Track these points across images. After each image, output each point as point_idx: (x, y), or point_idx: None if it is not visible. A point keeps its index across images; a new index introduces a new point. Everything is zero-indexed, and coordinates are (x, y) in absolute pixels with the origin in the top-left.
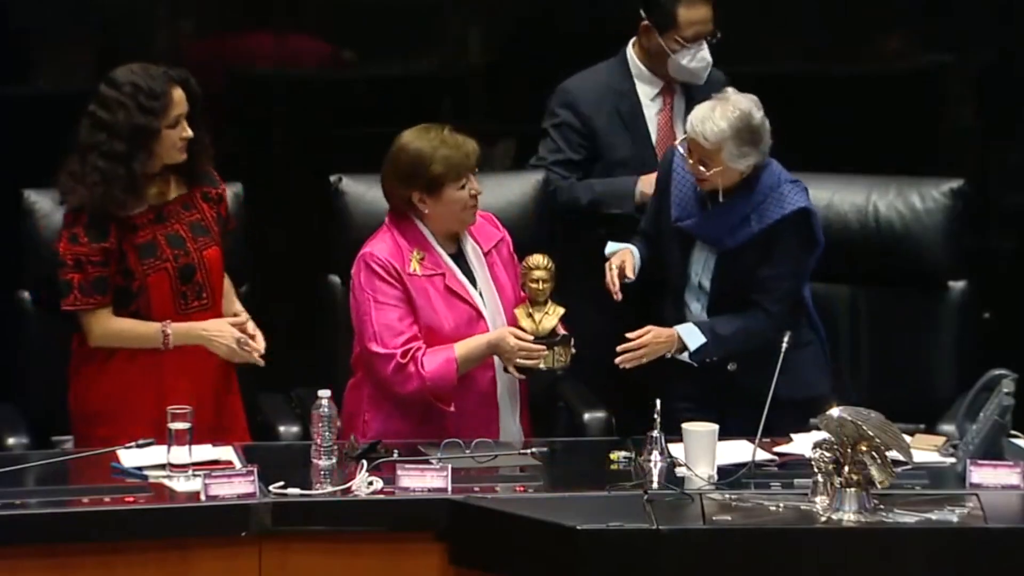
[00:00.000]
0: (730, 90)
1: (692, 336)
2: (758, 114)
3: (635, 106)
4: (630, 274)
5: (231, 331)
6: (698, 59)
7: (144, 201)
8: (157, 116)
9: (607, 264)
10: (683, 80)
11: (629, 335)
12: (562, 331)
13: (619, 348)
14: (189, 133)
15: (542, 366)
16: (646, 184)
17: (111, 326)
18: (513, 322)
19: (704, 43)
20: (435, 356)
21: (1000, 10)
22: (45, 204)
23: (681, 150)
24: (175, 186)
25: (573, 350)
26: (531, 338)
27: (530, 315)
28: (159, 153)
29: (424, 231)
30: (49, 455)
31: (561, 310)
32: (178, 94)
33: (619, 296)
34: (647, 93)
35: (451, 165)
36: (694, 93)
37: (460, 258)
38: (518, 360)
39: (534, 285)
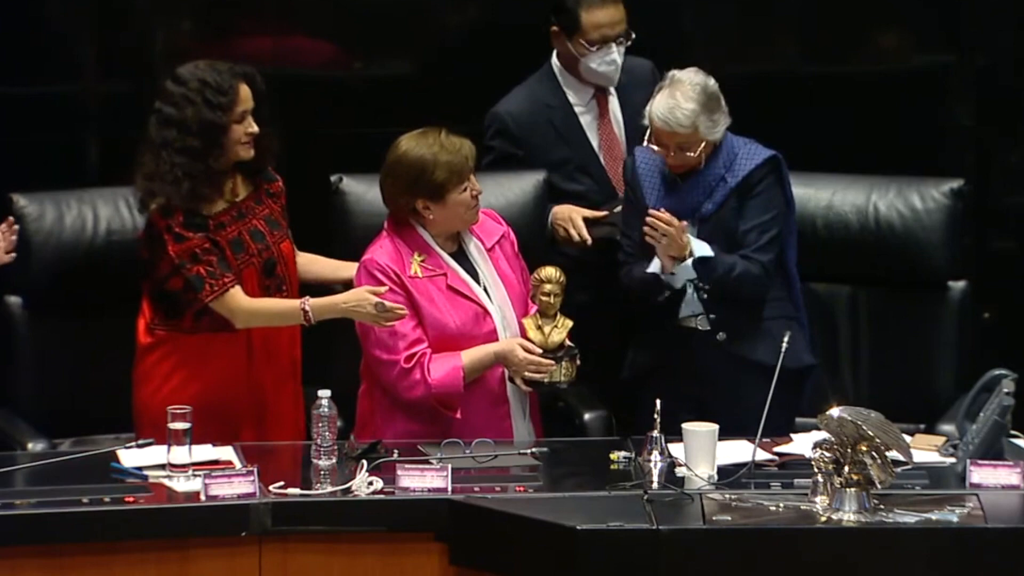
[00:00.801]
0: (673, 72)
1: (700, 247)
2: (710, 80)
3: (568, 116)
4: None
5: (369, 298)
6: (607, 62)
7: (223, 199)
8: (225, 111)
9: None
10: (595, 83)
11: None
12: (569, 344)
13: (651, 212)
14: (255, 128)
15: (548, 380)
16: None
17: (251, 305)
18: (522, 324)
19: (612, 46)
20: (442, 363)
21: (1000, 10)
22: (33, 208)
23: (651, 149)
24: (242, 184)
25: (579, 362)
26: (540, 351)
27: (539, 328)
28: (229, 148)
29: (424, 234)
30: (49, 455)
31: (570, 323)
32: (244, 90)
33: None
34: (578, 101)
35: (452, 170)
36: (627, 92)
37: (462, 256)
38: (526, 373)
39: (545, 298)
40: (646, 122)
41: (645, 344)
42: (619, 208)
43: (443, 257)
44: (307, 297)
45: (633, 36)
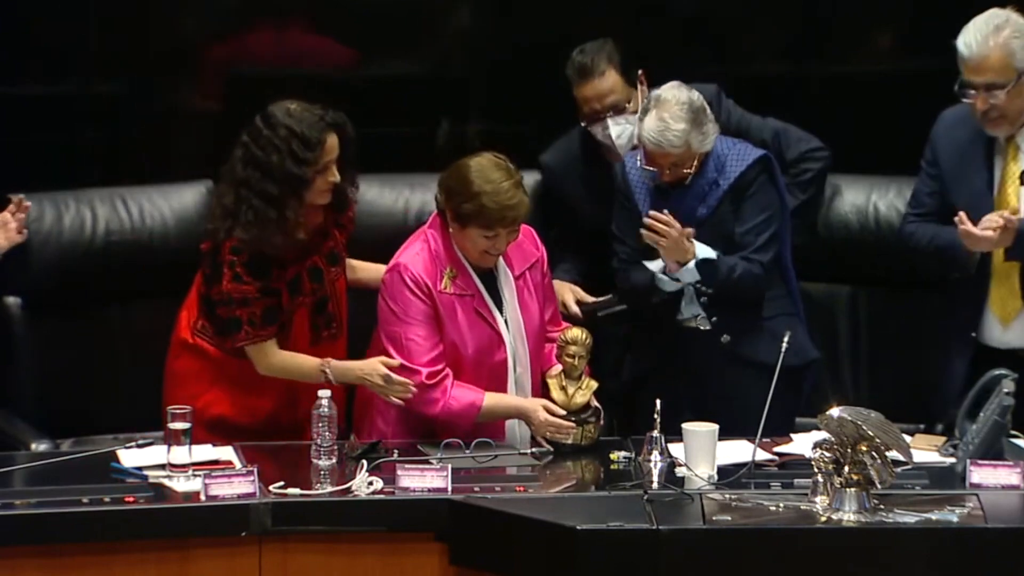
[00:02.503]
0: (655, 92)
1: (703, 249)
2: (693, 93)
3: (599, 168)
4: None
5: (380, 369)
6: (604, 136)
7: (295, 241)
8: (310, 165)
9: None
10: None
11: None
12: (594, 403)
13: (651, 213)
14: (337, 178)
15: (569, 441)
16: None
17: (276, 359)
18: (545, 381)
19: (607, 120)
20: (464, 394)
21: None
22: (33, 208)
23: (639, 163)
24: (312, 217)
25: (602, 423)
26: (563, 413)
27: (563, 388)
28: (308, 199)
29: (458, 252)
30: (49, 455)
31: (594, 385)
32: (332, 141)
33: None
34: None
35: (484, 215)
36: None
37: (490, 280)
38: (547, 434)
39: (570, 359)
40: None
41: (645, 345)
42: (609, 299)
43: (474, 278)
44: (328, 359)
45: (628, 107)
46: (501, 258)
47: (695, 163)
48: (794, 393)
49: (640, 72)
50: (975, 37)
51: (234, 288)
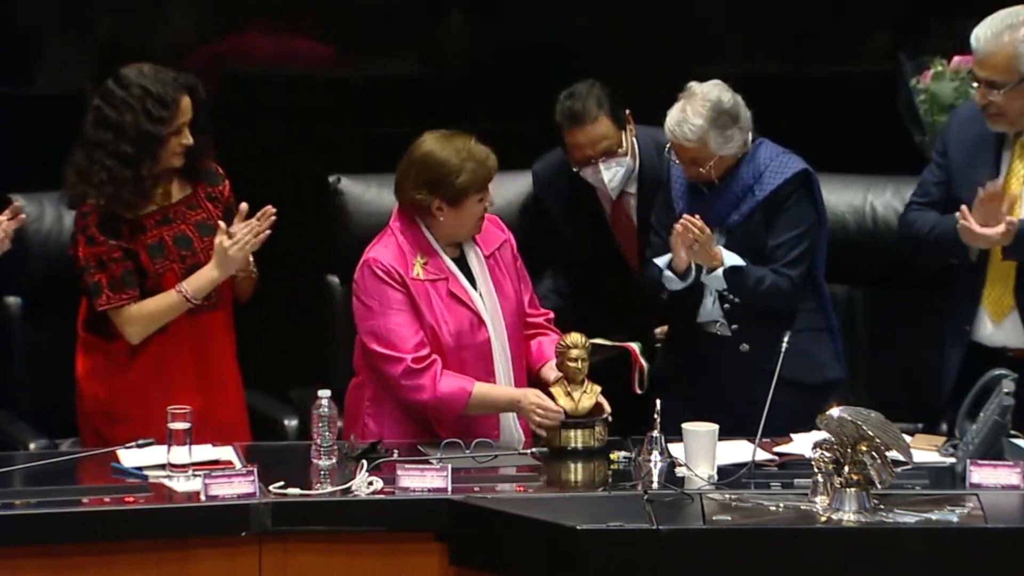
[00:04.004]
0: (692, 84)
1: (731, 256)
2: (727, 95)
3: (585, 187)
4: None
5: (224, 241)
6: (596, 180)
7: (151, 203)
8: (165, 124)
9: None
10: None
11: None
12: (605, 406)
13: (685, 216)
14: (189, 141)
15: (580, 446)
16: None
17: (137, 314)
18: (549, 392)
19: (599, 164)
20: (453, 381)
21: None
22: (33, 208)
23: (672, 157)
24: (179, 186)
25: (610, 421)
26: (551, 404)
27: (568, 394)
28: (161, 159)
29: (428, 237)
30: (49, 455)
31: (598, 388)
32: (185, 102)
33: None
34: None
35: (477, 179)
36: (645, 171)
37: (462, 262)
38: (537, 418)
39: (572, 364)
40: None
41: (664, 348)
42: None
43: (446, 261)
44: (180, 283)
45: (622, 151)
46: (472, 239)
47: (713, 167)
48: (816, 408)
49: (627, 112)
50: (987, 32)
51: (89, 252)
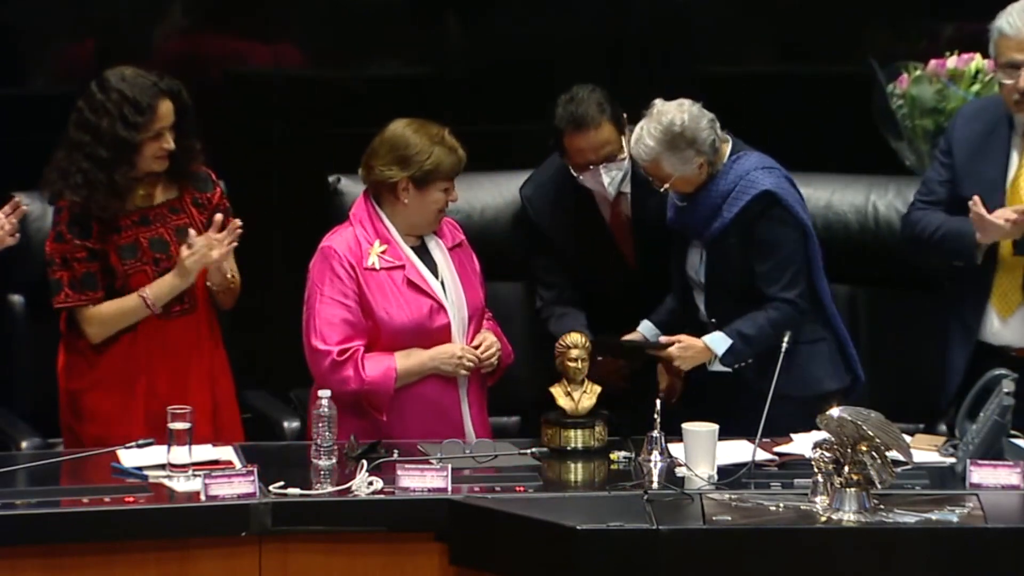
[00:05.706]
0: (657, 102)
1: (718, 342)
2: (680, 117)
3: (581, 194)
4: None
5: (184, 250)
6: (597, 183)
7: (128, 205)
8: (138, 130)
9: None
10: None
11: (663, 339)
12: (602, 410)
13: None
14: (170, 146)
15: (580, 446)
16: None
17: (98, 316)
18: (550, 392)
19: (600, 169)
20: (376, 362)
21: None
22: (36, 207)
23: None
24: (163, 189)
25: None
26: (461, 349)
27: (568, 394)
28: (139, 164)
29: (388, 225)
30: (49, 455)
31: (598, 389)
32: (165, 108)
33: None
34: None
35: (446, 165)
36: (638, 168)
37: (423, 251)
38: (458, 369)
39: (572, 364)
40: None
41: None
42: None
43: (403, 249)
44: (143, 288)
45: (622, 156)
46: (431, 233)
47: (685, 182)
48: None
49: (624, 116)
50: (1020, 17)
51: (55, 248)
